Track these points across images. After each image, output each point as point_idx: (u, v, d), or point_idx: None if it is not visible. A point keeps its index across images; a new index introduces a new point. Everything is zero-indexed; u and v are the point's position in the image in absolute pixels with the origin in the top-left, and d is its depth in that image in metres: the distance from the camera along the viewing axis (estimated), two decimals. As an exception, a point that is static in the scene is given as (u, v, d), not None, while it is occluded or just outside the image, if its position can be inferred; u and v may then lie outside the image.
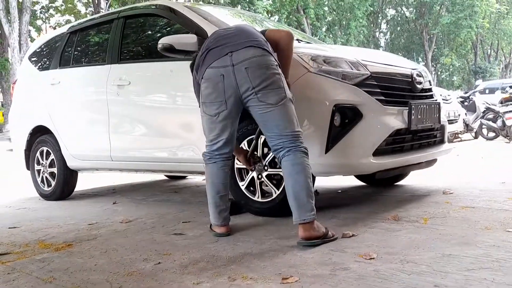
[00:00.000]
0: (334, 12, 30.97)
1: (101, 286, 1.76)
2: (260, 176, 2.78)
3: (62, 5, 27.29)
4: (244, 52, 2.21)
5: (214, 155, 2.40)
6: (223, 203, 2.45)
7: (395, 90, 2.82)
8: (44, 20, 28.11)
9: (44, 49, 4.53)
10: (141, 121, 3.47)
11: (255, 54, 2.21)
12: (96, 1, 24.49)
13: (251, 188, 2.84)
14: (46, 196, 4.19)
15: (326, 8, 30.35)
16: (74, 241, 2.51)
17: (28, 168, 4.39)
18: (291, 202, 2.17)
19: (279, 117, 2.19)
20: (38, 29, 27.32)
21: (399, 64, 3.05)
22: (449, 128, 6.81)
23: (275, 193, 2.73)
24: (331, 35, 30.39)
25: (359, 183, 3.84)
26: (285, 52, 2.41)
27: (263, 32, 2.39)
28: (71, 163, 4.01)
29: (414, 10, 35.80)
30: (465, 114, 8.93)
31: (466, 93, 10.55)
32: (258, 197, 2.81)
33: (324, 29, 29.32)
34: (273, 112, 2.19)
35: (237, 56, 2.20)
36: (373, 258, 1.84)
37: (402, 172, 3.34)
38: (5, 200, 4.31)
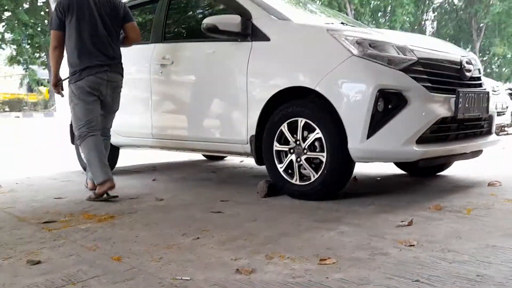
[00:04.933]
0: (378, -2, 30.19)
1: (142, 256, 1.81)
2: (299, 159, 2.77)
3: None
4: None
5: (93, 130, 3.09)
6: (105, 161, 3.08)
7: (442, 77, 2.74)
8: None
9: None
10: (182, 101, 3.52)
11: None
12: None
13: (289, 171, 2.84)
14: (89, 171, 4.33)
15: (370, -6, 29.62)
16: (116, 214, 2.59)
17: (73, 142, 4.54)
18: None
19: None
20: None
21: (448, 51, 2.95)
22: (496, 121, 6.55)
23: (314, 176, 2.72)
24: (374, 22, 29.69)
25: (398, 171, 3.77)
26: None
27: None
28: (113, 140, 4.10)
29: (463, -2, 34.41)
30: (513, 106, 8.56)
31: (515, 85, 10.11)
32: (296, 180, 2.80)
33: (367, 16, 28.63)
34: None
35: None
36: (413, 245, 1.81)
37: (445, 161, 3.25)
38: (50, 172, 4.49)
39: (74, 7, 3.03)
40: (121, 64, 3.26)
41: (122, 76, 3.27)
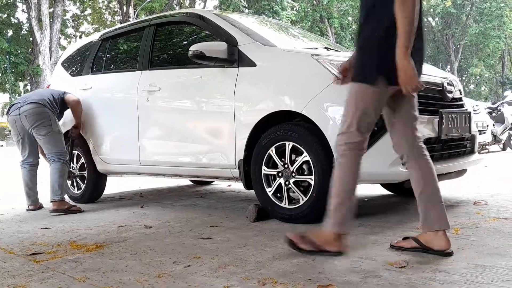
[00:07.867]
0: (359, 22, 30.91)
1: (133, 286, 1.79)
2: (287, 183, 2.79)
3: (90, 14, 28.06)
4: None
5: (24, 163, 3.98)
6: (30, 191, 3.97)
7: (425, 98, 2.80)
8: (73, 28, 28.88)
9: (77, 56, 4.66)
10: (170, 127, 3.53)
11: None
12: (124, 10, 25.05)
13: (278, 195, 2.85)
14: (75, 199, 4.29)
15: (350, 18, 30.31)
16: (105, 243, 2.55)
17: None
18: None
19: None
20: (68, 37, 28.09)
21: (429, 73, 3.02)
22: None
23: (302, 200, 2.73)
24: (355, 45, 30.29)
25: (385, 192, 3.81)
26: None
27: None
28: (100, 167, 4.09)
29: (440, 21, 35.41)
30: (493, 125, 8.76)
31: (494, 104, 10.36)
32: (285, 204, 2.81)
33: (348, 39, 29.22)
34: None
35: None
36: (404, 266, 1.83)
37: (430, 181, 3.28)
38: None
39: None
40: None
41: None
